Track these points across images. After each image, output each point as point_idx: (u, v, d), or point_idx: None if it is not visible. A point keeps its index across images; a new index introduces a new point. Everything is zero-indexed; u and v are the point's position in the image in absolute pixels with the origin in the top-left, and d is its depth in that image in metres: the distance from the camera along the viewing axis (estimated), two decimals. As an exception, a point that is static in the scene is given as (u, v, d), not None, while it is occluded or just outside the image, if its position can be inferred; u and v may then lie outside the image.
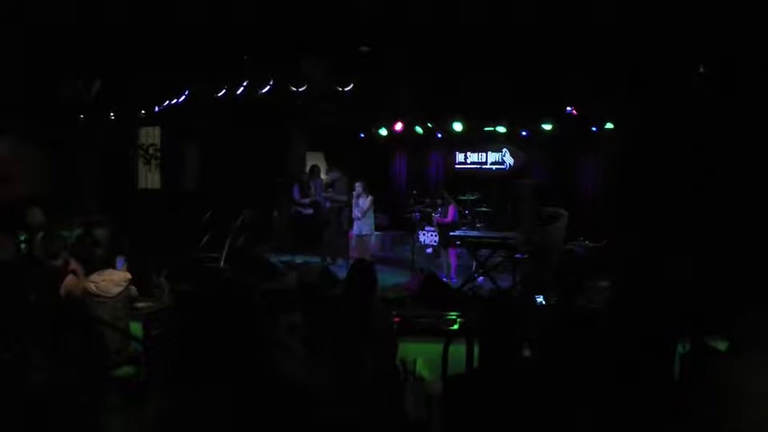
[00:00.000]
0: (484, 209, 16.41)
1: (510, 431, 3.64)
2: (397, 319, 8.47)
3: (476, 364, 4.32)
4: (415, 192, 16.80)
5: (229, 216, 14.10)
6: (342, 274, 11.41)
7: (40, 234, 9.57)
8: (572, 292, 8.25)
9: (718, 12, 9.95)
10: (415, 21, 11.40)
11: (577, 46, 11.44)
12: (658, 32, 10.62)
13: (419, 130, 18.52)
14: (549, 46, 11.50)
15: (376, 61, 13.08)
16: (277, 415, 2.71)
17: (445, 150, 19.82)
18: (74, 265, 8.35)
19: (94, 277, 7.86)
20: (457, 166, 19.62)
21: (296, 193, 17.25)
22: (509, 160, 18.86)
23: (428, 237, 16.25)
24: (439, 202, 14.77)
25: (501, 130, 17.75)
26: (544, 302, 9.94)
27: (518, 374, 3.82)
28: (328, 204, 16.22)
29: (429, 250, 16.14)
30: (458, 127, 17.10)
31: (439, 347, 6.46)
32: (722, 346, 4.62)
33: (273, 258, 14.16)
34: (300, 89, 14.03)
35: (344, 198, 15.77)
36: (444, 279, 13.19)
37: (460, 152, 19.55)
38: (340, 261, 15.53)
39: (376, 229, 15.80)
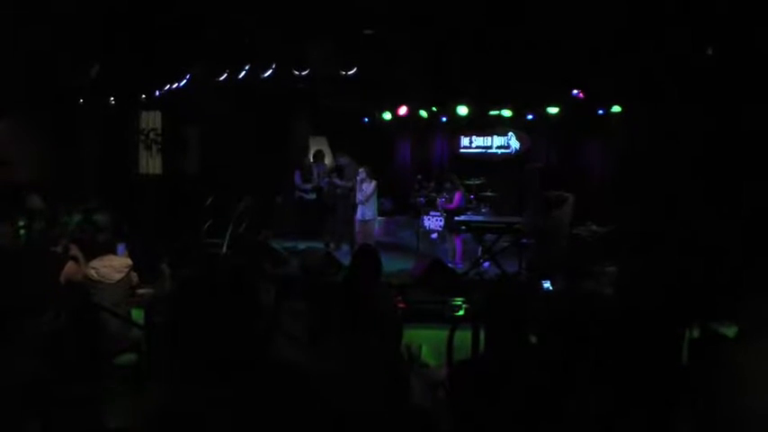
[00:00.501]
0: (489, 193, 16.37)
1: (516, 418, 3.63)
2: (401, 305, 8.49)
3: (482, 350, 4.31)
4: (419, 176, 16.74)
5: (231, 201, 14.10)
6: (345, 259, 11.42)
7: (40, 220, 9.57)
8: (579, 276, 8.23)
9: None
10: (419, 2, 11.38)
11: (584, 27, 11.40)
12: (667, 12, 10.58)
13: (423, 113, 18.46)
14: (554, 28, 11.46)
15: (380, 44, 13.04)
16: (280, 403, 2.70)
17: (450, 134, 19.74)
18: (74, 251, 8.33)
19: (95, 263, 7.84)
20: (462, 151, 19.55)
21: (298, 179, 17.23)
22: (515, 144, 18.79)
23: (433, 222, 16.22)
24: (447, 185, 14.71)
25: (506, 113, 17.68)
26: (551, 288, 9.93)
27: (524, 361, 3.81)
28: (330, 184, 16.14)
29: (434, 236, 16.12)
30: (462, 111, 17.04)
31: (444, 334, 6.46)
32: (731, 332, 4.59)
33: (276, 244, 14.15)
34: (303, 73, 13.99)
35: (351, 184, 15.72)
36: (449, 264, 13.16)
37: (465, 136, 19.47)
38: (344, 247, 15.51)
39: (380, 214, 15.79)
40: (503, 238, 13.32)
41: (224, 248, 12.98)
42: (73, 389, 5.59)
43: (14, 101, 14.86)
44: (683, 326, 5.72)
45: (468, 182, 15.87)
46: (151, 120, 18.02)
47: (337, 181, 16.15)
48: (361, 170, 14.68)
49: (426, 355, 6.70)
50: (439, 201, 15.00)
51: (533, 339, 4.38)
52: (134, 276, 8.18)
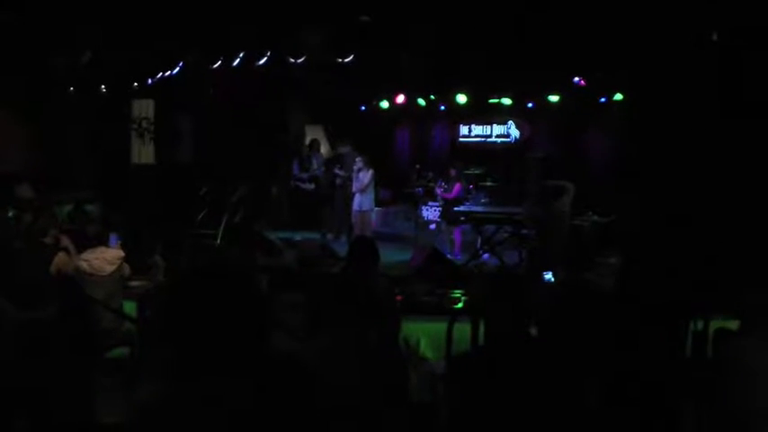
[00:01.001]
0: (489, 183, 16.36)
1: (517, 412, 3.63)
2: (399, 297, 8.48)
3: (481, 343, 4.31)
4: (418, 166, 16.71)
5: (226, 191, 14.09)
6: (342, 250, 11.41)
7: (30, 210, 9.56)
8: (580, 268, 8.24)
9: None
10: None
11: (585, 13, 11.38)
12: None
13: (421, 102, 18.46)
14: (555, 14, 11.44)
15: (377, 31, 13.01)
16: (277, 397, 2.69)
17: (449, 123, 19.70)
18: (65, 242, 8.33)
19: (87, 255, 7.85)
20: (461, 139, 19.51)
21: (296, 168, 17.21)
22: (515, 133, 18.77)
23: (431, 212, 16.22)
24: (452, 173, 14.66)
25: (506, 101, 17.66)
26: (552, 279, 9.94)
27: (525, 353, 3.81)
28: (330, 173, 16.11)
29: (432, 226, 16.11)
30: (461, 99, 17.04)
31: (443, 326, 6.46)
32: (734, 324, 4.61)
33: (272, 235, 14.15)
34: (299, 60, 13.97)
35: (348, 173, 15.70)
36: (448, 256, 13.15)
37: (464, 125, 19.43)
38: (342, 237, 15.52)
39: (377, 205, 15.78)
40: (502, 228, 13.33)
41: (218, 240, 12.98)
42: (64, 383, 5.60)
43: (3, 89, 14.81)
44: (686, 319, 5.73)
45: (467, 171, 15.85)
46: (144, 108, 17.96)
47: (338, 171, 16.15)
48: (358, 159, 14.67)
49: (425, 348, 6.71)
50: (437, 190, 14.97)
51: (534, 332, 4.38)
52: (126, 268, 8.18)
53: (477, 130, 19.30)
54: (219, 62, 14.55)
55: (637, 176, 13.24)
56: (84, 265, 7.73)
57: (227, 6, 12.56)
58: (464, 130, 19.47)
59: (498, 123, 18.95)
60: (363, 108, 20.23)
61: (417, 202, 16.02)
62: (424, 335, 6.84)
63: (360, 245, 6.61)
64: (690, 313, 5.82)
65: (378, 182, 15.16)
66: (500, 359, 3.76)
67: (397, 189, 18.02)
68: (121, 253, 8.13)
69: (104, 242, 8.14)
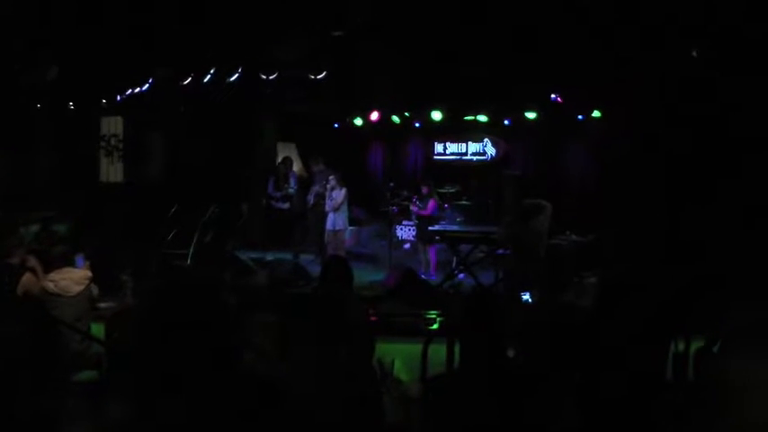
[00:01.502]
0: (464, 202, 16.39)
1: (493, 435, 3.64)
2: (373, 318, 8.48)
3: (456, 364, 4.32)
4: (392, 184, 16.73)
5: (196, 211, 14.05)
6: (315, 270, 11.40)
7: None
8: (557, 288, 8.28)
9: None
10: (391, 4, 11.39)
11: (563, 30, 11.46)
12: (649, 13, 10.65)
13: (396, 119, 18.47)
14: (531, 30, 11.51)
15: (350, 47, 13.04)
16: (248, 420, 2.70)
17: (423, 140, 19.77)
18: (32, 262, 8.28)
19: (53, 276, 7.79)
20: (436, 157, 19.57)
21: (270, 187, 17.16)
22: (491, 151, 18.84)
23: (406, 231, 16.23)
24: (424, 191, 14.67)
25: (482, 118, 17.71)
26: (530, 300, 9.97)
27: (501, 375, 3.82)
28: (312, 200, 16.07)
29: (407, 246, 16.14)
30: (436, 116, 17.08)
31: (418, 348, 6.45)
32: (714, 345, 4.64)
33: (243, 255, 14.12)
34: (271, 77, 13.97)
35: (321, 191, 15.66)
36: (423, 276, 13.18)
37: (439, 142, 19.50)
38: (314, 257, 15.48)
39: (351, 224, 15.77)
40: (478, 248, 13.35)
41: (189, 260, 12.94)
42: (30, 407, 5.56)
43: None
44: (667, 339, 5.75)
45: (442, 190, 15.89)
46: (112, 125, 17.92)
47: (317, 188, 16.04)
48: (330, 177, 14.63)
49: (399, 370, 6.70)
50: (412, 207, 14.99)
51: (511, 353, 4.39)
52: (94, 289, 8.13)
53: (453, 147, 19.36)
54: (190, 78, 14.52)
55: (614, 194, 13.32)
56: (50, 285, 7.67)
57: (197, 21, 12.54)
58: (439, 147, 19.52)
59: (474, 141, 19.02)
60: (337, 125, 20.22)
61: (392, 222, 16.01)
62: (398, 356, 6.83)
63: (333, 265, 6.61)
64: (670, 333, 5.85)
65: (351, 200, 15.14)
66: (476, 382, 3.77)
67: (372, 208, 18.02)
68: (89, 273, 8.08)
69: (71, 263, 8.09)
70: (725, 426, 4.11)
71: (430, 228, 14.04)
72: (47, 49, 14.21)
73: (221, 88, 14.67)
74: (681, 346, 5.92)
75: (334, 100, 16.93)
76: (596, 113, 15.84)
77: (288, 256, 15.48)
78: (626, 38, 11.18)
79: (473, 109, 17.44)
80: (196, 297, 2.78)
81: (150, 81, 15.33)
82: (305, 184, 16.87)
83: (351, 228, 16.01)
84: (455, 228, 14.40)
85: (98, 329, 8.09)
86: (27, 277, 7.86)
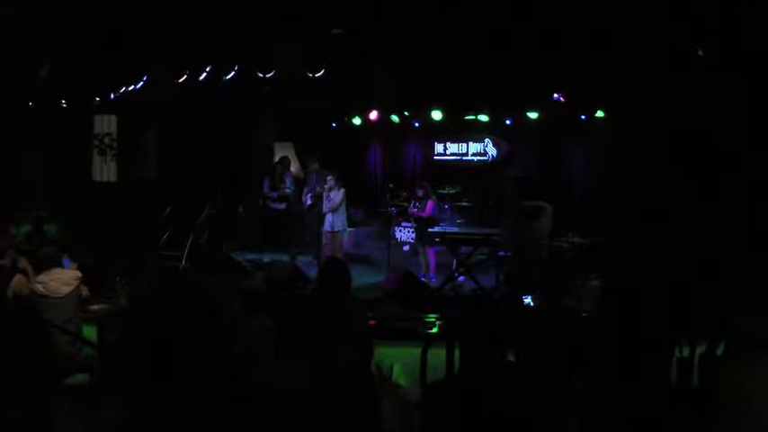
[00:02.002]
0: (465, 203, 16.38)
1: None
2: (372, 322, 8.47)
3: (456, 369, 4.31)
4: (391, 185, 16.70)
5: (192, 211, 14.03)
6: (312, 272, 11.39)
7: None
8: (559, 291, 8.27)
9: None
10: (391, 1, 11.37)
11: (565, 29, 11.44)
12: (653, 13, 10.64)
13: (395, 119, 18.43)
14: (534, 27, 11.49)
15: (349, 45, 13.02)
16: (244, 425, 2.68)
17: (423, 141, 19.74)
18: (23, 263, 8.28)
19: (42, 277, 7.79)
20: (436, 158, 19.55)
21: (266, 187, 17.12)
22: (492, 151, 18.81)
23: (405, 233, 16.21)
24: (420, 193, 14.64)
25: (483, 118, 17.68)
26: (532, 303, 9.95)
27: (502, 380, 3.81)
28: (309, 201, 16.04)
29: (406, 248, 16.10)
30: (437, 115, 17.05)
31: (417, 352, 6.45)
32: (719, 349, 4.63)
33: (239, 257, 14.10)
34: (268, 75, 13.95)
35: (318, 191, 15.63)
36: (423, 278, 13.17)
37: (440, 143, 19.48)
38: (312, 259, 15.46)
39: (349, 225, 15.75)
40: (479, 250, 13.32)
41: (183, 262, 12.92)
42: (20, 411, 5.54)
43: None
44: (671, 344, 5.74)
45: (442, 191, 15.88)
46: (106, 124, 17.86)
47: (314, 186, 16.01)
48: (329, 178, 14.61)
49: (398, 374, 6.69)
50: (411, 209, 14.97)
51: (511, 358, 4.38)
52: (84, 290, 8.12)
53: (453, 148, 19.34)
54: (185, 76, 14.48)
55: (617, 196, 13.29)
56: (39, 287, 7.67)
57: (193, 18, 12.52)
58: (439, 147, 19.50)
59: (475, 141, 18.99)
60: (335, 125, 20.17)
61: (391, 223, 16.00)
62: (397, 360, 6.82)
63: (331, 267, 6.59)
64: (674, 338, 5.83)
65: (350, 201, 15.12)
66: (476, 386, 3.76)
67: (370, 209, 18.00)
68: (78, 273, 8.07)
69: (59, 264, 8.08)
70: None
71: (430, 230, 14.02)
72: (38, 47, 14.19)
73: (217, 86, 14.63)
74: (686, 351, 5.91)
75: (333, 99, 16.91)
76: (600, 113, 15.81)
77: (285, 257, 15.46)
78: (627, 37, 11.16)
79: (474, 108, 17.40)
80: (190, 300, 2.77)
81: (145, 78, 15.29)
82: (302, 184, 16.84)
83: (349, 229, 15.99)
84: (455, 229, 14.41)
85: (90, 332, 8.08)
86: (18, 279, 7.85)
